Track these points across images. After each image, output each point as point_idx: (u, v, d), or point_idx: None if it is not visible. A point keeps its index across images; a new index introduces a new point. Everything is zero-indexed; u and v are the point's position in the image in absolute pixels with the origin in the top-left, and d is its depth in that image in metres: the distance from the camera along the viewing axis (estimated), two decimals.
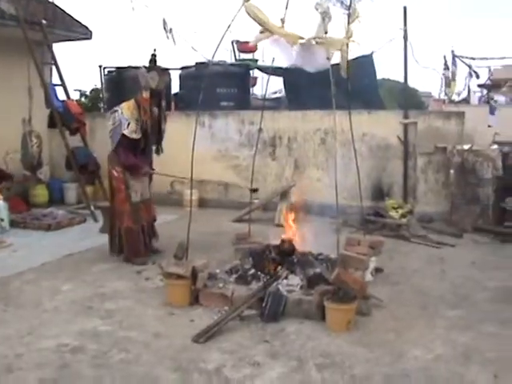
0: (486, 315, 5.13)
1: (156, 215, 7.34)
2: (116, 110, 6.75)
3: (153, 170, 7.22)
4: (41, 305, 5.38)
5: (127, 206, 6.76)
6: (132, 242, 6.78)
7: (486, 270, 6.56)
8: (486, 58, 20.72)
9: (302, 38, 5.43)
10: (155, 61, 6.94)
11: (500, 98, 16.77)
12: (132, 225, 6.77)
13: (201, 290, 5.35)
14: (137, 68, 12.12)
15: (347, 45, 5.57)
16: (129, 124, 6.62)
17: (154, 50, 6.95)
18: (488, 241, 7.94)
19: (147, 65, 6.97)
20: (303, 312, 4.98)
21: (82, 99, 14.46)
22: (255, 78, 14.58)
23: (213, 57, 5.67)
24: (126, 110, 6.69)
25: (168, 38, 9.54)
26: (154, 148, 7.15)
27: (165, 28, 9.59)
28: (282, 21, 5.65)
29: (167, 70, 6.78)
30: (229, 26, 5.38)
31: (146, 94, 6.67)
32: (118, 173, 6.76)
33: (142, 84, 6.67)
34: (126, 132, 6.61)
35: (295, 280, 5.42)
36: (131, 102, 6.74)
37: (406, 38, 9.72)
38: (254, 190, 7.29)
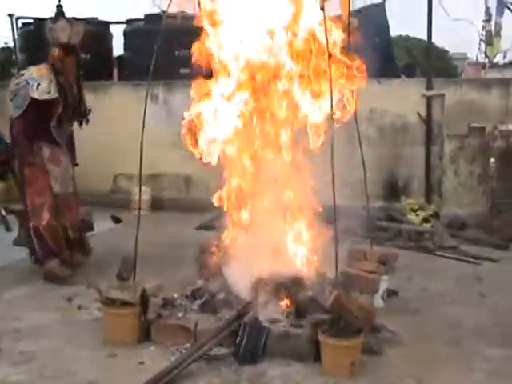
0: None
1: (91, 220, 7.45)
2: (22, 74, 7.11)
3: (75, 164, 7.58)
4: None
5: (47, 197, 7.00)
6: (52, 240, 6.98)
7: None
8: None
9: None
10: (62, 12, 7.09)
11: None
12: (52, 221, 6.97)
13: (153, 322, 5.38)
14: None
15: None
16: (38, 85, 6.86)
17: (59, 1, 7.15)
18: None
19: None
20: (291, 350, 5.01)
21: None
22: None
23: (169, 5, 5.72)
24: (35, 70, 7.02)
25: None
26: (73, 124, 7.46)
27: None
28: None
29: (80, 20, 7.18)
30: None
31: (55, 51, 6.95)
32: (34, 155, 7.00)
33: (50, 40, 6.99)
34: (35, 94, 6.86)
35: (280, 307, 5.46)
36: (43, 64, 7.06)
37: None
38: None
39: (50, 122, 7.06)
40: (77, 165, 7.63)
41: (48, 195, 7.01)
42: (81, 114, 7.40)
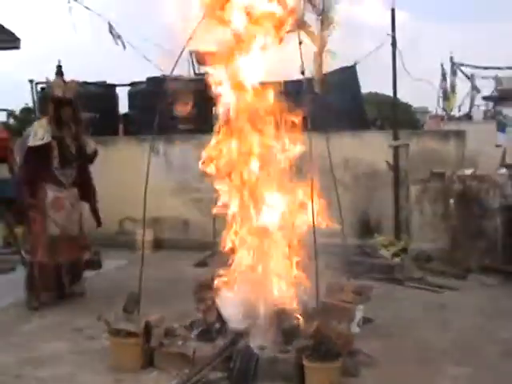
0: (498, 373, 5.17)
1: (99, 259, 7.46)
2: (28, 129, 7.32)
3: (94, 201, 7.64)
4: None
5: (43, 238, 7.05)
6: (42, 278, 7.07)
7: (497, 317, 6.64)
8: (492, 67, 21.29)
9: None
10: (61, 72, 7.20)
11: (510, 111, 16.98)
12: (46, 259, 7.04)
13: (156, 350, 5.33)
14: (78, 84, 12.25)
15: (321, 55, 5.70)
16: (35, 134, 7.04)
17: (59, 62, 7.29)
18: (497, 282, 8.05)
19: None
20: (279, 373, 4.97)
21: (11, 121, 14.38)
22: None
23: (172, 70, 5.77)
24: (37, 124, 7.28)
25: (117, 43, 9.76)
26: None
27: (111, 33, 9.78)
28: None
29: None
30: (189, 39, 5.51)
31: (51, 105, 7.13)
32: (37, 199, 7.08)
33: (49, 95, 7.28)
34: (30, 142, 7.02)
35: (268, 334, 5.40)
36: (44, 118, 7.32)
37: (394, 45, 9.97)
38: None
39: (51, 165, 7.10)
40: (96, 201, 7.70)
41: (44, 236, 7.05)
42: (86, 156, 7.48)
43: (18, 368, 5.38)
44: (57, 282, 7.26)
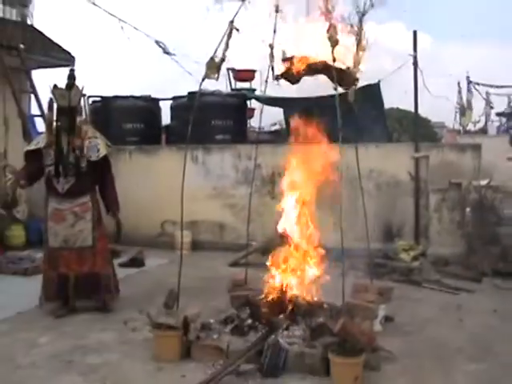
0: (511, 369, 5.12)
1: (143, 258, 7.41)
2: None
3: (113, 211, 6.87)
4: (15, 360, 5.33)
5: (45, 249, 6.75)
6: (45, 287, 6.69)
7: (510, 318, 6.57)
8: (505, 86, 21.16)
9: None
10: (74, 76, 6.46)
11: None
12: (47, 269, 6.68)
13: (193, 342, 5.35)
14: (125, 98, 12.37)
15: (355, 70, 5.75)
16: (37, 141, 6.63)
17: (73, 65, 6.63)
18: (510, 286, 7.93)
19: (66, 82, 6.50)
20: (306, 366, 4.96)
21: None
22: (253, 110, 14.78)
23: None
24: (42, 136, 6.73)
25: (168, 53, 9.98)
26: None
27: (159, 46, 9.97)
28: (271, 46, 5.95)
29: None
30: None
31: (49, 115, 6.55)
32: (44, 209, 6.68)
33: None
34: (26, 147, 6.75)
35: (297, 331, 5.41)
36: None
37: (415, 64, 9.91)
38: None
39: (47, 173, 6.50)
40: (116, 214, 6.84)
41: (45, 247, 6.71)
42: (91, 164, 6.53)
43: (70, 355, 5.43)
44: (63, 294, 6.68)
